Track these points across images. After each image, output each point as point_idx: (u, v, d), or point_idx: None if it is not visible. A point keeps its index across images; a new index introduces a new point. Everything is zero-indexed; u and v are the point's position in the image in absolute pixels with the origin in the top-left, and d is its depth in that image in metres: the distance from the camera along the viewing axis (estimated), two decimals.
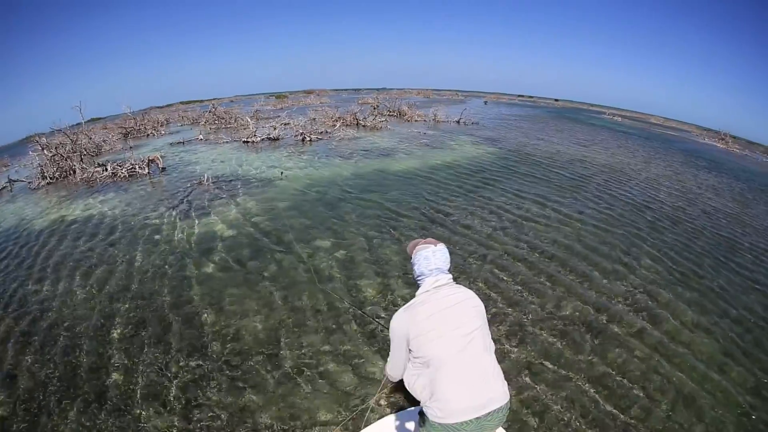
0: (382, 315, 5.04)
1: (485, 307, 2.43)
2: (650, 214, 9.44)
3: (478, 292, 3.71)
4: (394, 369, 2.45)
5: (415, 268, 2.48)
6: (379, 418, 3.47)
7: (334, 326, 4.91)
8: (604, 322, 5.15)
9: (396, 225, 7.65)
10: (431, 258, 2.43)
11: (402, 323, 2.29)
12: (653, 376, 4.28)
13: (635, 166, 16.01)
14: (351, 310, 5.20)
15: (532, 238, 7.32)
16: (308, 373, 4.18)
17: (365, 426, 3.41)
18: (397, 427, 3.31)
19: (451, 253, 2.55)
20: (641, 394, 4.04)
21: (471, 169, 12.19)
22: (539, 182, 11.16)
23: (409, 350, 2.30)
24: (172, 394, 3.93)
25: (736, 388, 4.25)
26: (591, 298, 5.60)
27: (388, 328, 3.50)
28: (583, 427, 3.63)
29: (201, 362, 4.34)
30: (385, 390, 2.82)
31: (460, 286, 2.45)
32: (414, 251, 2.52)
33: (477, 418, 2.17)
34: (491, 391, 2.21)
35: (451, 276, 2.46)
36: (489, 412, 2.18)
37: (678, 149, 24.77)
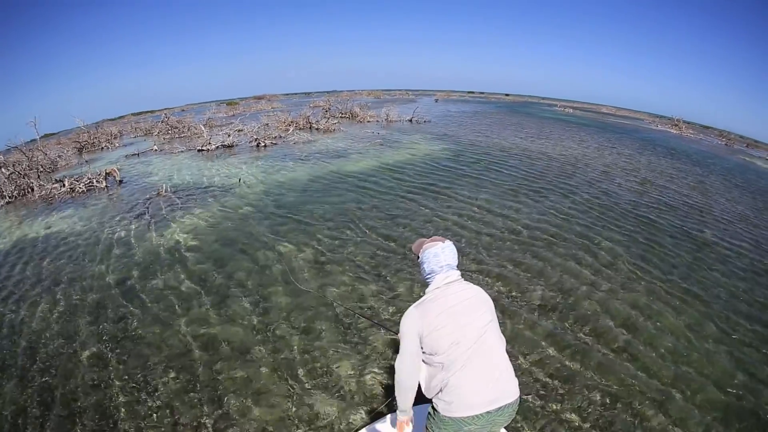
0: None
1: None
2: (607, 205, 9.90)
3: None
4: (403, 368, 2.33)
5: (425, 266, 2.45)
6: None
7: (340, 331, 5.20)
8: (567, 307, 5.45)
9: (355, 235, 7.74)
10: (440, 255, 2.42)
11: (413, 321, 2.28)
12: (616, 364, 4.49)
13: (590, 156, 16.83)
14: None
15: (489, 239, 7.51)
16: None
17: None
18: None
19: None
20: (605, 382, 4.23)
21: (426, 168, 12.83)
22: (493, 180, 11.66)
23: (421, 348, 2.29)
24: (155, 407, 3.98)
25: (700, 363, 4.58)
26: (546, 295, 5.78)
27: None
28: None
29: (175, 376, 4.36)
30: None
31: (469, 282, 2.46)
32: (421, 250, 2.50)
33: (487, 412, 2.17)
34: (502, 386, 2.22)
35: (459, 273, 2.47)
36: (499, 408, 2.18)
37: (631, 137, 26.04)
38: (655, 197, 11.19)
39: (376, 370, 4.35)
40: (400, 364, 2.30)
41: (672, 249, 7.67)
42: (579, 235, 7.86)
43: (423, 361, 2.31)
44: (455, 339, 2.20)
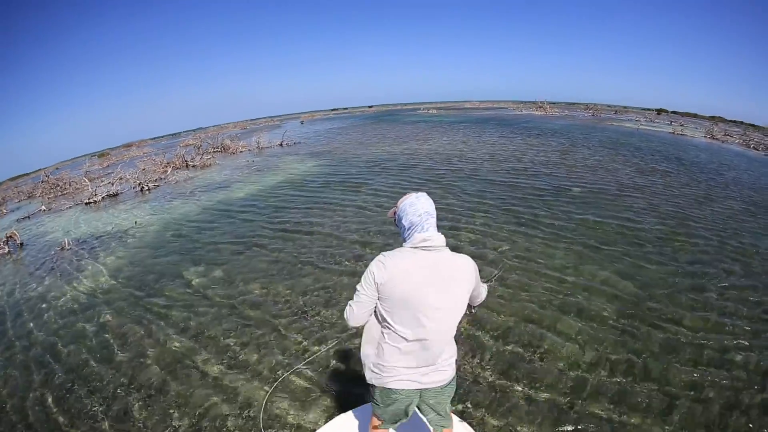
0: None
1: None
2: (477, 186, 11.94)
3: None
4: (354, 309, 2.12)
5: (404, 221, 2.15)
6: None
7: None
8: None
9: (253, 253, 8.43)
10: (416, 203, 2.14)
11: (378, 265, 2.04)
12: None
13: (454, 148, 18.74)
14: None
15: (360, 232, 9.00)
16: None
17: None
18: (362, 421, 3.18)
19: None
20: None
21: (303, 183, 14.37)
22: (367, 179, 13.56)
23: (378, 296, 2.07)
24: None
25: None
26: None
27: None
28: None
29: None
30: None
31: (455, 253, 2.14)
32: (396, 210, 2.24)
33: (417, 390, 2.10)
34: (436, 375, 2.13)
35: (444, 240, 2.13)
36: (429, 388, 2.13)
37: (495, 125, 28.35)
38: (525, 180, 12.82)
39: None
40: (352, 303, 2.14)
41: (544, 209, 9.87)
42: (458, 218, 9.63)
43: (375, 313, 2.16)
44: (409, 302, 2.00)
